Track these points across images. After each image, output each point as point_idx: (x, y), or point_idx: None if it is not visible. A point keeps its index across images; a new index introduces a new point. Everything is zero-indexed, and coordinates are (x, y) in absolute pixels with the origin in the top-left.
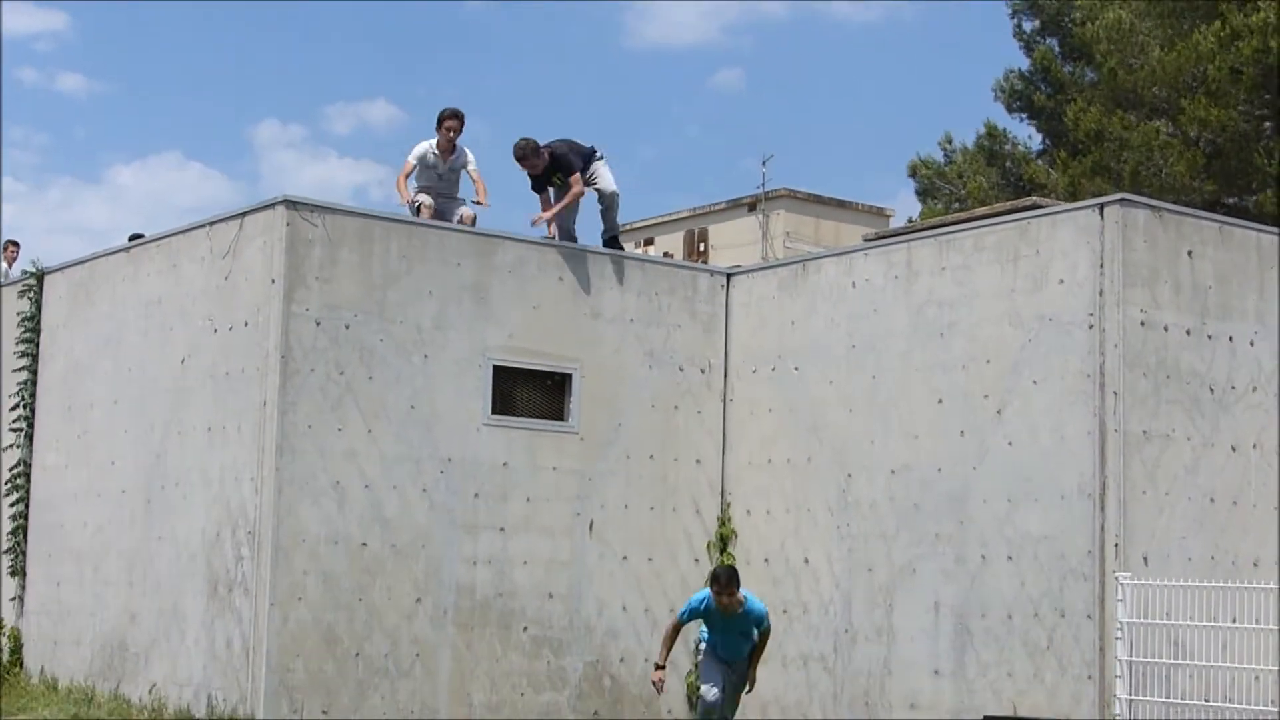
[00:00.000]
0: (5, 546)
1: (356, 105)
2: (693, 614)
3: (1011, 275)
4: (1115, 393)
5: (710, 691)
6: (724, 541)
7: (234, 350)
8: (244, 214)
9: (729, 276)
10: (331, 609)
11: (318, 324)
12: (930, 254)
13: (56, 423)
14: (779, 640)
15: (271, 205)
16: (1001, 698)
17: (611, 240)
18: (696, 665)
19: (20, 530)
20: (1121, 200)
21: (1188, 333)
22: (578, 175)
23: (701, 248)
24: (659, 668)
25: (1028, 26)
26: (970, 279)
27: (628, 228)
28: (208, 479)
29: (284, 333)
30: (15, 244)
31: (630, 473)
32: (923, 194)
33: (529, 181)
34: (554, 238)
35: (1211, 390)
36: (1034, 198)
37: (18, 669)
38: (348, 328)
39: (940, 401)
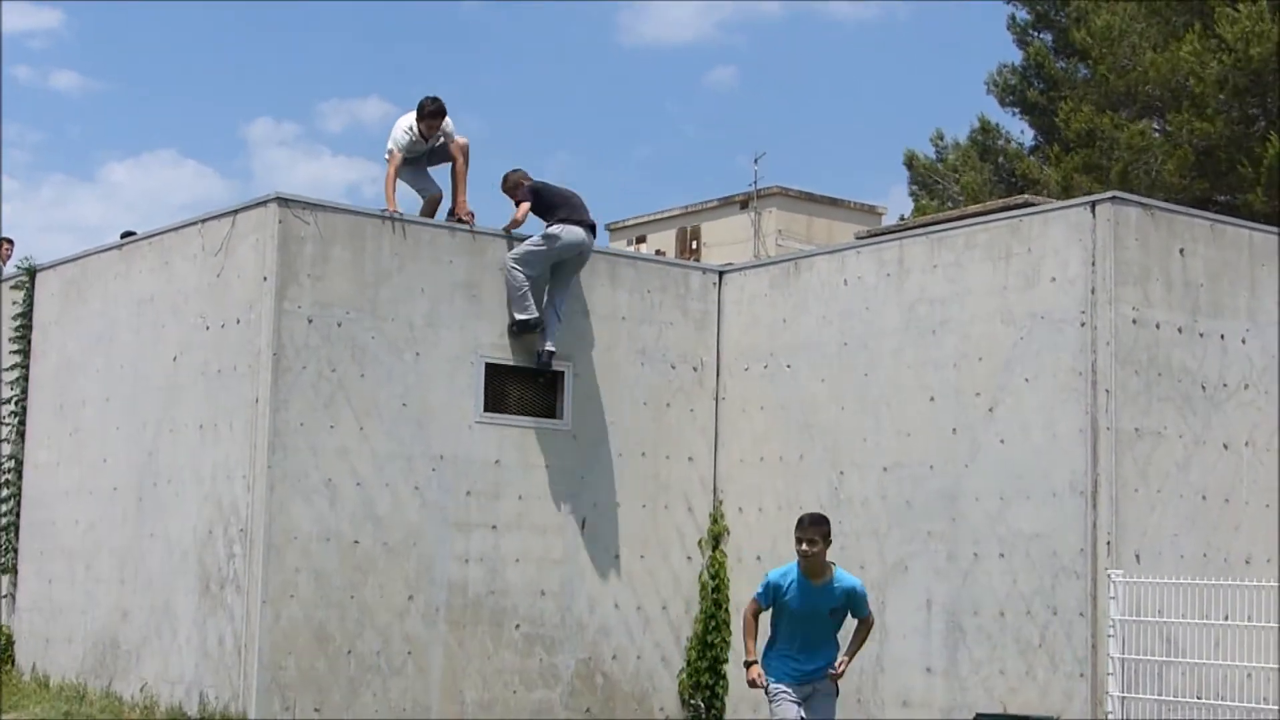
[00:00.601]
0: None
1: (350, 103)
2: (775, 591)
3: (1003, 273)
4: (1107, 390)
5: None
6: (716, 539)
7: (226, 347)
8: (236, 211)
9: (721, 274)
10: (323, 607)
11: (310, 321)
12: (922, 252)
13: (48, 420)
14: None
15: (264, 203)
16: (994, 695)
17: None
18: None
19: (12, 527)
20: (1113, 198)
21: (1179, 330)
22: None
23: (694, 245)
24: (750, 664)
25: (1021, 18)
26: (962, 276)
27: (621, 225)
28: (199, 476)
29: (276, 330)
30: (10, 241)
31: (622, 470)
32: (917, 186)
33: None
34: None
35: (1203, 388)
36: (1026, 195)
37: (9, 666)
38: (340, 325)
39: (932, 399)
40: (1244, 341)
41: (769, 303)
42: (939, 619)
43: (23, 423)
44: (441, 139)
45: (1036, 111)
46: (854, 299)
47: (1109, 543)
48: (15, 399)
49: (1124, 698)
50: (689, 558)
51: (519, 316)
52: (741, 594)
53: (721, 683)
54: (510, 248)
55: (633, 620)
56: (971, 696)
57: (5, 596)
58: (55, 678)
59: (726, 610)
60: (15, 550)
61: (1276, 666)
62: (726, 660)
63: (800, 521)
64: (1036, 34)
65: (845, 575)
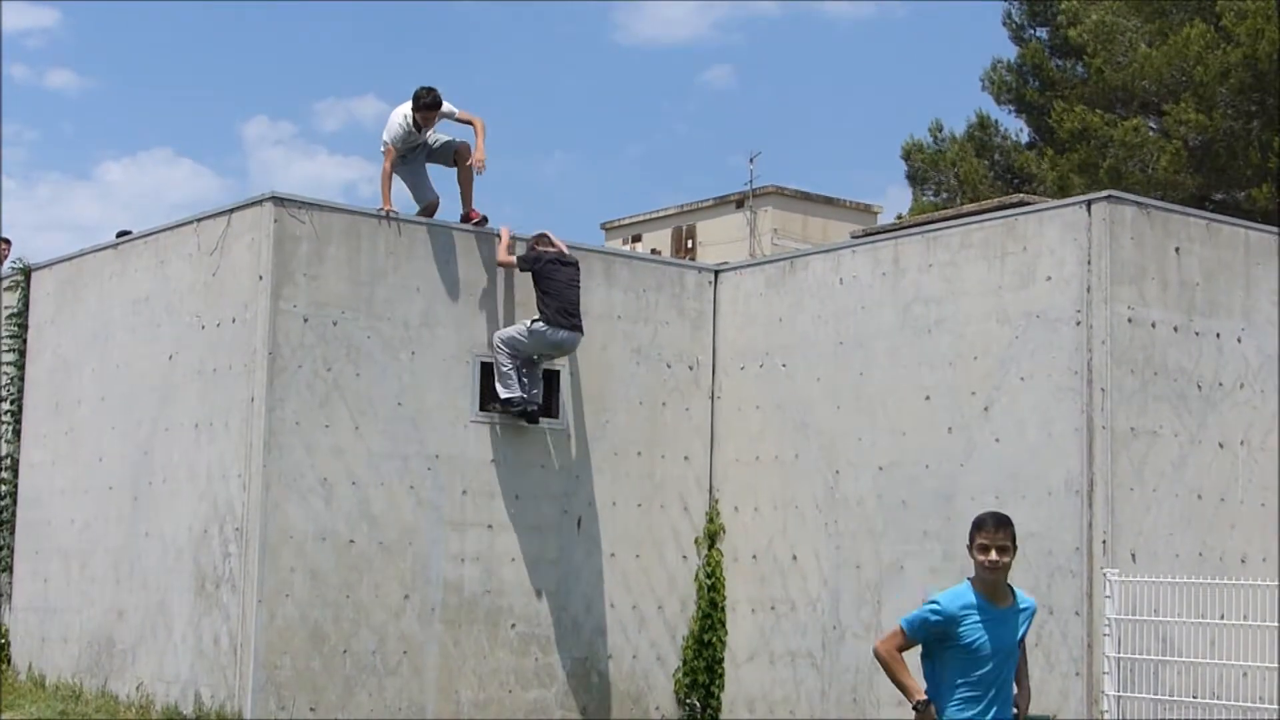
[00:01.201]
0: None
1: (346, 102)
2: (945, 624)
3: (999, 272)
4: (1103, 389)
5: None
6: (712, 538)
7: (221, 347)
8: (232, 210)
9: (717, 273)
10: (319, 606)
11: (305, 320)
12: (917, 251)
13: (44, 419)
14: (765, 637)
15: (259, 202)
16: None
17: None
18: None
19: (7, 527)
20: (1109, 197)
21: (1175, 329)
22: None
23: (689, 245)
24: (926, 704)
25: (1017, 14)
26: (957, 276)
27: (616, 224)
28: (195, 476)
29: (271, 329)
30: (8, 242)
31: (618, 470)
32: (914, 179)
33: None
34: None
35: (1199, 387)
36: (1022, 194)
37: (5, 666)
38: (335, 324)
39: (928, 398)
40: (1240, 341)
41: (764, 302)
42: None
43: (18, 422)
44: (439, 141)
45: (1033, 110)
46: (849, 298)
47: (1105, 542)
48: (10, 398)
49: (1120, 697)
50: (685, 557)
51: (503, 395)
52: (737, 593)
53: (717, 682)
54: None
55: (628, 620)
56: None
57: (1, 596)
58: (51, 677)
59: (722, 609)
60: (11, 549)
61: (1273, 665)
62: (722, 659)
63: (980, 522)
64: (1032, 30)
65: (1020, 592)
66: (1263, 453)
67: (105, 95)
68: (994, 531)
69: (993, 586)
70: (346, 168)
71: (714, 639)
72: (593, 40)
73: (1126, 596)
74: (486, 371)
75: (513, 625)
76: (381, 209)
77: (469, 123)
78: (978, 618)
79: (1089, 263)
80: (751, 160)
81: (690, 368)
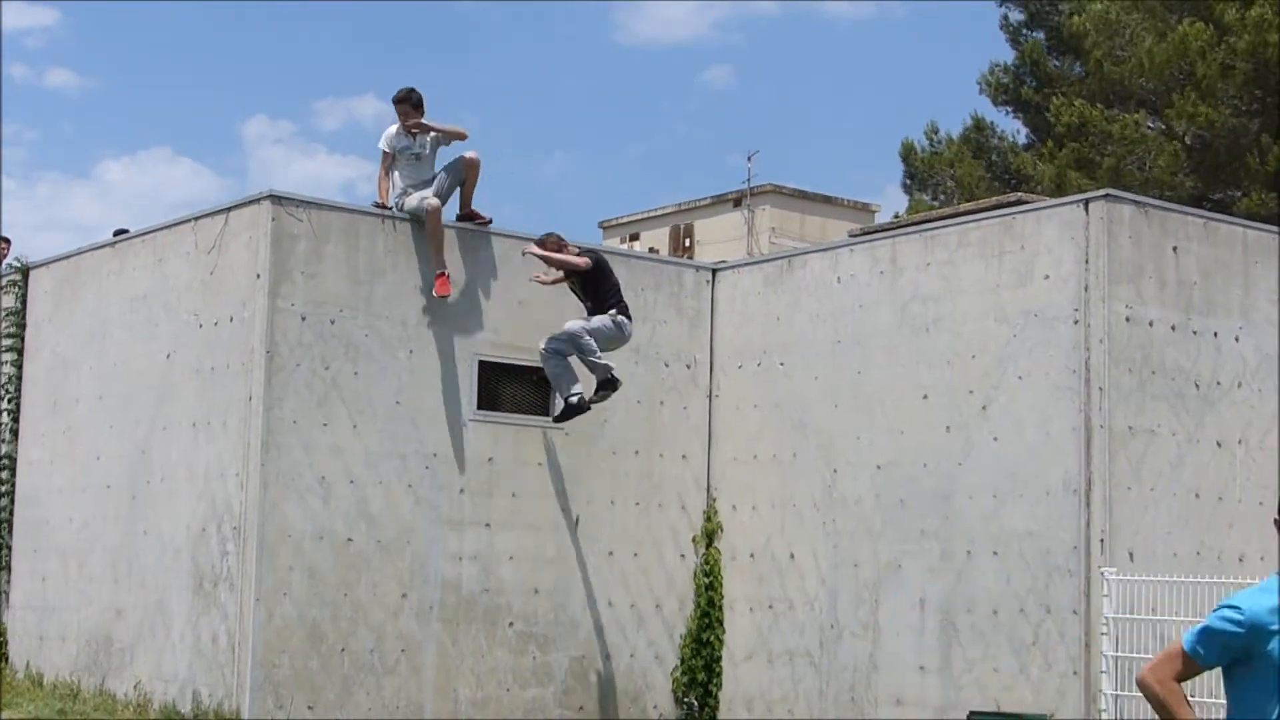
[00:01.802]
0: None
1: (345, 101)
2: (1251, 636)
3: (996, 271)
4: (1100, 388)
5: None
6: (710, 537)
7: (219, 345)
8: (229, 209)
9: (714, 272)
10: (317, 605)
11: (303, 319)
12: (915, 249)
13: (41, 418)
14: (763, 636)
15: (257, 200)
16: (987, 693)
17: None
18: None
19: (5, 525)
20: (1106, 195)
21: (1173, 328)
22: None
23: (687, 243)
24: None
25: (1014, 19)
26: (955, 274)
27: (614, 223)
28: (193, 474)
29: (269, 328)
30: (7, 241)
31: (616, 468)
32: (913, 180)
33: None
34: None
35: (1197, 386)
36: (1019, 193)
37: (3, 664)
38: (333, 323)
39: (925, 397)
40: (1237, 340)
41: (762, 301)
42: (932, 617)
43: (16, 420)
44: (427, 148)
45: (1030, 109)
46: (847, 297)
47: (1102, 541)
48: (9, 397)
49: (1117, 695)
50: (683, 556)
51: (572, 399)
52: (735, 592)
53: (715, 681)
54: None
55: (626, 618)
56: (965, 695)
57: None
58: (49, 676)
59: (720, 608)
60: (9, 548)
61: None
62: (720, 658)
63: None
64: (1029, 32)
65: None
66: (1261, 452)
67: (105, 95)
68: None
69: None
70: (346, 167)
71: (712, 638)
72: (593, 40)
73: (1124, 595)
74: (485, 371)
75: (511, 624)
76: (377, 201)
77: (458, 135)
78: None
79: (1087, 261)
80: (750, 159)
81: (688, 367)
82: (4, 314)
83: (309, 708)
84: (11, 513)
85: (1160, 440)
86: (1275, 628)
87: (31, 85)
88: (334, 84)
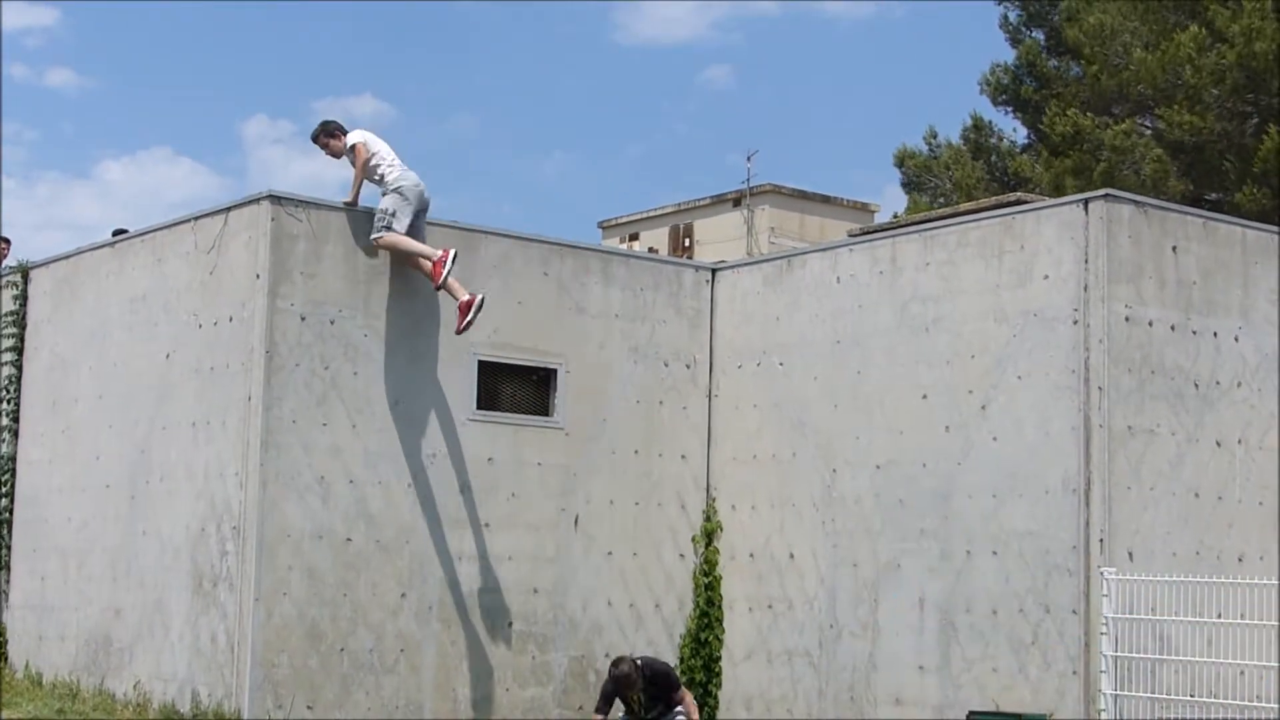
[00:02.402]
0: None
1: (345, 100)
2: None
3: (996, 270)
4: (1100, 388)
5: None
6: (709, 537)
7: (219, 345)
8: (229, 209)
9: (714, 272)
10: (316, 604)
11: (302, 319)
12: (915, 249)
13: (41, 418)
14: (763, 636)
15: (256, 200)
16: (986, 693)
17: None
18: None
19: (4, 525)
20: (1106, 195)
21: (1172, 328)
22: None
23: (686, 243)
24: None
25: (1013, 17)
26: (955, 274)
27: (614, 223)
28: (192, 474)
29: (269, 328)
30: (7, 241)
31: (615, 468)
32: (909, 186)
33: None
34: None
35: (1196, 385)
36: (1019, 194)
37: (2, 664)
38: (332, 323)
39: (925, 397)
40: (1237, 339)
41: (762, 300)
42: (932, 617)
43: (16, 420)
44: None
45: (1029, 110)
46: (847, 297)
47: (1102, 540)
48: (8, 397)
49: (1117, 695)
50: (682, 555)
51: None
52: (735, 591)
53: (715, 680)
54: None
55: (625, 618)
56: (964, 694)
57: None
58: (48, 675)
59: (720, 608)
60: (8, 548)
61: (1271, 664)
62: (719, 658)
63: None
64: (1029, 32)
65: None
66: (1260, 451)
67: (105, 94)
68: None
69: None
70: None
71: (711, 637)
72: (592, 40)
73: (1124, 595)
74: (484, 370)
75: (510, 624)
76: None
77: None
78: None
79: (1086, 261)
80: (749, 159)
81: (687, 366)
82: (4, 314)
83: (308, 707)
84: (11, 512)
85: (1160, 440)
86: None
87: (31, 85)
88: (334, 84)
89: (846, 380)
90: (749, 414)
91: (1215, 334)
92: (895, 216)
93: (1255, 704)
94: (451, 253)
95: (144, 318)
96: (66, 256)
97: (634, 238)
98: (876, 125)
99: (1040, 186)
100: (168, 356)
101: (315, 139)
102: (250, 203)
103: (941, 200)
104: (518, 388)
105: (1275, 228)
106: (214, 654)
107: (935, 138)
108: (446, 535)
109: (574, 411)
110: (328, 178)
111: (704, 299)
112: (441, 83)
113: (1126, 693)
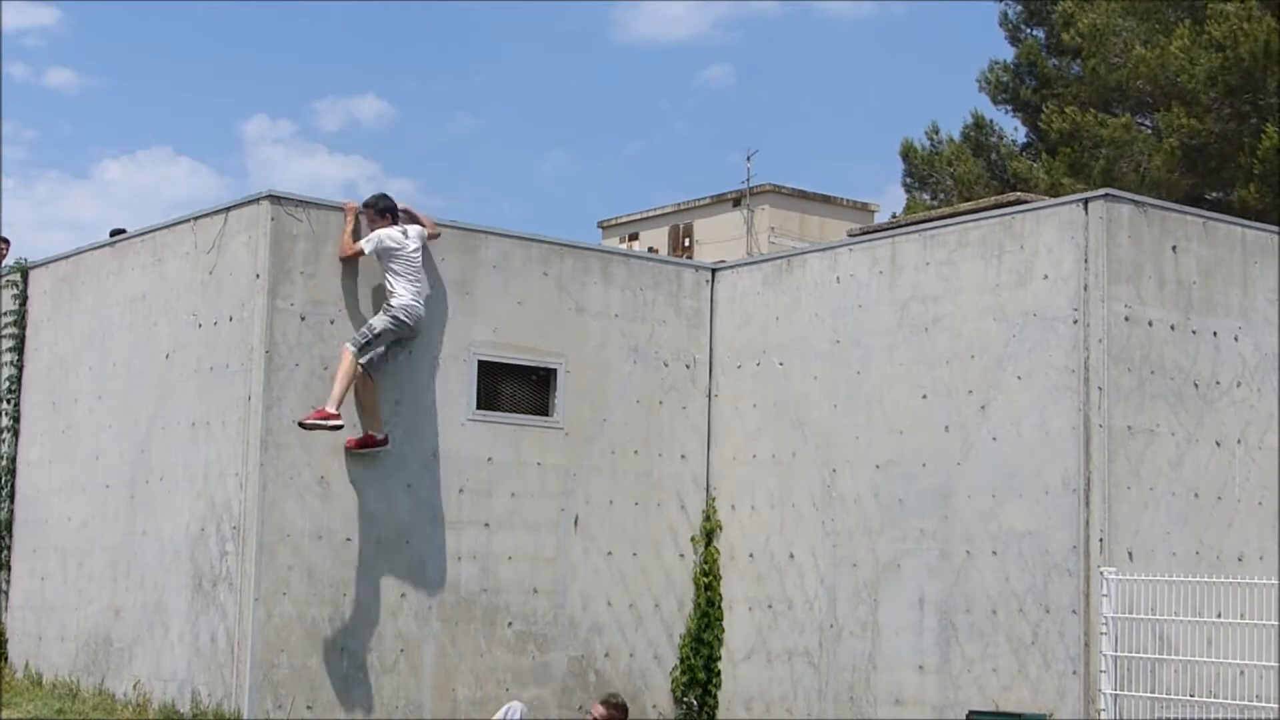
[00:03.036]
0: None
1: (346, 100)
2: None
3: (996, 270)
4: (1100, 388)
5: None
6: (709, 536)
7: (218, 345)
8: (229, 209)
9: (714, 272)
10: (316, 604)
11: (302, 319)
12: (914, 249)
13: (41, 418)
14: (763, 635)
15: (256, 200)
16: (986, 693)
17: None
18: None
19: (4, 525)
20: (1106, 195)
21: (1172, 328)
22: None
23: (686, 243)
24: None
25: (1013, 14)
26: (954, 274)
27: (613, 222)
28: (192, 474)
29: (268, 328)
30: (7, 241)
31: (615, 468)
32: (913, 180)
33: None
34: None
35: (1196, 385)
36: (1019, 193)
37: (2, 664)
38: (332, 323)
39: (924, 397)
40: (1237, 339)
41: (761, 300)
42: (931, 617)
43: (16, 420)
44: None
45: (1029, 109)
46: (846, 296)
47: (1102, 540)
48: (8, 397)
49: (1117, 695)
50: (681, 555)
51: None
52: (734, 591)
53: (715, 680)
54: None
55: (625, 618)
56: (964, 694)
57: None
58: (48, 675)
59: (719, 608)
60: (8, 548)
61: (1271, 664)
62: (719, 658)
63: None
64: (1028, 30)
65: None
66: (1260, 451)
67: (104, 94)
68: None
69: None
70: (346, 166)
71: (711, 637)
72: (592, 39)
73: (1123, 595)
74: (483, 370)
75: (510, 624)
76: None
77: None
78: None
79: (1086, 261)
80: (749, 159)
81: (687, 366)
82: (4, 314)
83: (308, 707)
84: (11, 512)
85: (1159, 440)
86: None
87: (31, 85)
88: (334, 84)
89: (846, 380)
90: (749, 414)
91: (1215, 334)
92: (894, 216)
93: (1255, 704)
94: (336, 417)
95: (144, 318)
96: (66, 256)
97: (634, 237)
98: (876, 125)
99: (1040, 187)
100: (167, 356)
101: (364, 207)
102: (250, 203)
103: (943, 197)
104: (517, 388)
105: (1275, 227)
106: (214, 654)
107: (937, 133)
108: (446, 535)
109: (574, 411)
110: (328, 178)
111: (704, 299)
112: (442, 82)
113: (1126, 692)
